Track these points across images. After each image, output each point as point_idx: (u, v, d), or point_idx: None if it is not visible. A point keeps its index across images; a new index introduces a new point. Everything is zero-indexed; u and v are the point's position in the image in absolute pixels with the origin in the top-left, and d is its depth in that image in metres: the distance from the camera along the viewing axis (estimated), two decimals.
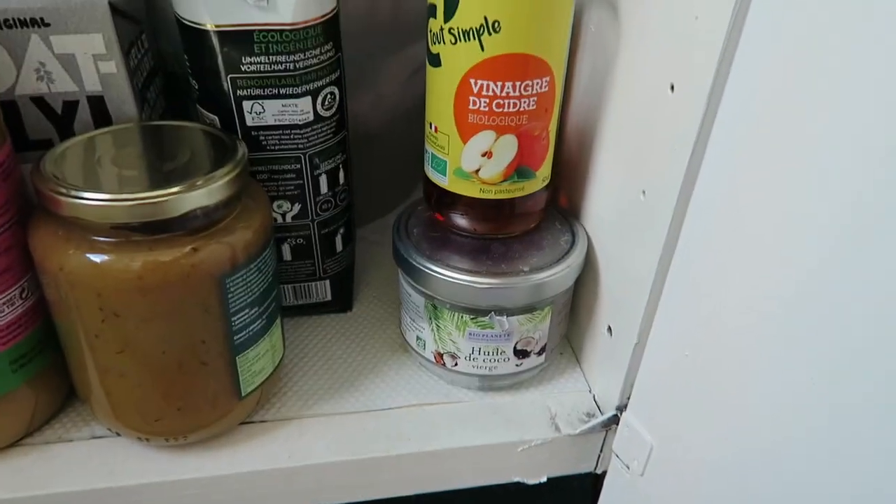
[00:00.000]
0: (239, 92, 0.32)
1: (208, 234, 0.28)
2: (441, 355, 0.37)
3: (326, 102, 0.34)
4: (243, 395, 0.33)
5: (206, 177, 0.28)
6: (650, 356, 0.32)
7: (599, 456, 0.37)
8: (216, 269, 0.29)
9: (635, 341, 0.32)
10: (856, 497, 0.22)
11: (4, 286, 0.29)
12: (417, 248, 0.35)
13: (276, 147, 0.34)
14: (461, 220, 0.35)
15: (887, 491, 0.20)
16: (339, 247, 0.40)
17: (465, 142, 0.32)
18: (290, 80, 0.32)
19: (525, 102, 0.31)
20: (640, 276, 0.31)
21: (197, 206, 0.27)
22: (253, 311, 0.31)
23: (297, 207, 0.37)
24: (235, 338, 0.31)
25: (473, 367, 0.36)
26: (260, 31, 0.31)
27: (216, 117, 0.33)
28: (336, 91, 0.35)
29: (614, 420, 0.35)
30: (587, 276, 0.37)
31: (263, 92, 0.32)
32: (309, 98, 0.33)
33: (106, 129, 0.32)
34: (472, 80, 0.31)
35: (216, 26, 0.31)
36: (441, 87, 0.32)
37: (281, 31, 0.31)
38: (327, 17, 0.32)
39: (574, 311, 0.39)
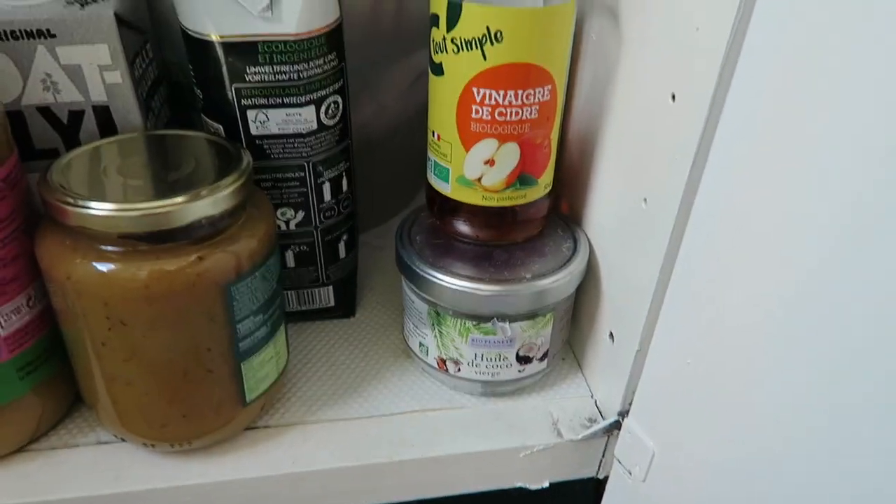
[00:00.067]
0: (243, 101, 0.33)
1: (213, 242, 0.29)
2: (444, 361, 0.37)
3: (330, 111, 0.34)
4: (248, 401, 0.33)
5: (212, 186, 0.28)
6: (652, 362, 0.32)
7: (601, 461, 0.37)
8: (221, 277, 0.29)
9: (637, 348, 0.32)
10: (857, 502, 0.22)
11: (11, 294, 0.30)
12: (420, 255, 0.36)
13: (280, 155, 0.35)
14: (464, 228, 0.36)
15: (888, 491, 0.21)
16: (342, 253, 0.40)
17: (467, 150, 0.33)
18: (294, 89, 0.33)
19: (527, 111, 0.32)
20: (642, 283, 0.31)
21: (203, 215, 0.28)
22: (257, 319, 0.31)
23: (300, 215, 0.37)
24: (240, 345, 0.31)
25: (476, 372, 0.37)
26: (264, 41, 0.31)
27: (220, 126, 0.34)
28: (339, 100, 0.35)
29: (616, 426, 0.35)
30: (589, 282, 0.37)
31: (267, 101, 0.33)
32: (312, 107, 0.33)
33: (111, 139, 0.32)
34: (475, 89, 0.31)
35: (221, 37, 0.31)
36: (444, 96, 0.32)
37: (285, 42, 0.31)
38: (331, 27, 0.32)
39: (576, 317, 0.39)
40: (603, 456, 0.37)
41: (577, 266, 0.35)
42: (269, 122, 0.33)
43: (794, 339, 0.23)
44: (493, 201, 0.34)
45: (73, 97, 0.32)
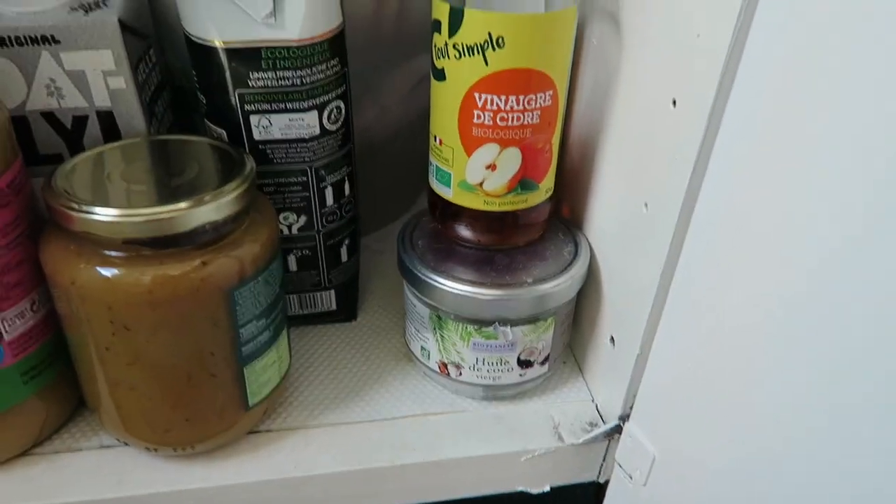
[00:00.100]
0: (246, 107, 0.33)
1: (217, 247, 0.29)
2: (445, 365, 0.37)
3: (332, 116, 0.35)
4: (250, 405, 0.33)
5: (215, 192, 0.28)
6: (653, 367, 0.32)
7: (602, 465, 0.38)
8: (225, 282, 0.29)
9: (638, 352, 0.33)
10: None
11: (16, 299, 0.30)
12: (422, 259, 0.36)
13: (283, 160, 0.35)
14: (465, 232, 0.36)
15: (888, 491, 0.21)
16: (344, 257, 0.40)
17: (469, 155, 0.33)
18: (297, 94, 0.33)
19: (528, 116, 0.32)
20: (643, 287, 0.31)
21: (206, 221, 0.28)
22: (260, 323, 0.31)
23: (303, 219, 0.37)
24: (243, 349, 0.31)
25: (477, 376, 0.37)
26: (268, 47, 0.31)
27: (224, 131, 0.34)
28: (342, 105, 0.35)
29: (617, 430, 0.36)
30: (590, 286, 0.37)
31: (271, 107, 0.33)
32: (315, 112, 0.34)
33: (115, 144, 0.32)
34: (477, 94, 0.31)
35: (224, 43, 0.31)
36: (446, 101, 0.32)
37: (288, 48, 0.31)
38: (333, 33, 0.33)
39: (577, 321, 0.40)
40: (604, 460, 0.37)
41: (579, 270, 0.35)
42: (272, 127, 0.33)
43: (795, 343, 0.24)
44: (495, 206, 0.34)
45: (77, 102, 0.32)
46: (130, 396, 0.31)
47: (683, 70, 0.27)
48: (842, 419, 0.22)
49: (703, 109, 0.26)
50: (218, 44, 0.31)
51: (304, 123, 0.34)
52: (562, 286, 0.35)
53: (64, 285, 0.28)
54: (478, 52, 0.30)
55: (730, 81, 0.25)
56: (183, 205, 0.27)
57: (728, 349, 0.27)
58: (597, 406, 0.38)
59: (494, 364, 0.36)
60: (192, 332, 0.29)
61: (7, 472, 0.33)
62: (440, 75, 0.32)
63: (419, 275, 0.35)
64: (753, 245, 0.25)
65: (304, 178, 0.36)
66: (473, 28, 0.30)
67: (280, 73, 0.32)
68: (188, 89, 0.38)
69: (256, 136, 0.34)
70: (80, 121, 0.32)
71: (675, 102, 0.28)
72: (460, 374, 0.37)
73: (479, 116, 0.32)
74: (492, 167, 0.33)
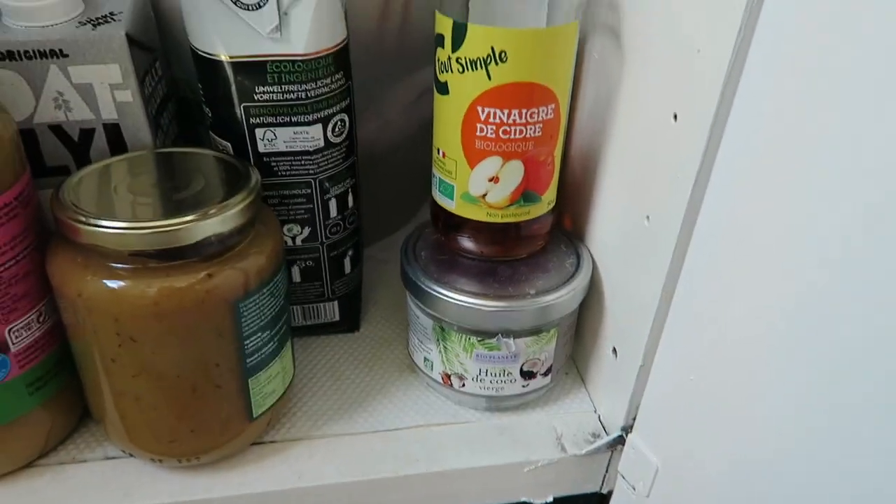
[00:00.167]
0: (252, 120, 0.33)
1: (222, 260, 0.29)
2: (448, 376, 0.37)
3: (337, 129, 0.35)
4: (255, 416, 0.33)
5: (221, 205, 0.28)
6: (655, 378, 0.32)
7: (605, 476, 0.38)
8: (230, 294, 0.29)
9: (640, 363, 0.33)
10: None
11: (23, 311, 0.30)
12: (425, 270, 0.36)
13: (288, 172, 0.35)
14: (468, 244, 0.36)
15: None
16: (347, 268, 0.40)
17: (472, 167, 0.33)
18: (302, 108, 0.33)
19: (531, 129, 0.32)
20: (645, 299, 0.31)
21: (212, 233, 0.28)
22: (265, 335, 0.32)
23: (306, 231, 0.37)
24: (248, 361, 0.31)
25: (481, 388, 0.37)
26: (273, 61, 0.32)
27: (229, 144, 0.34)
28: (346, 118, 0.35)
29: (620, 441, 0.36)
30: (592, 298, 0.38)
31: (276, 120, 0.33)
32: (320, 125, 0.34)
33: (121, 157, 0.33)
34: (480, 108, 0.32)
35: (230, 57, 0.31)
36: (449, 115, 0.33)
37: (293, 62, 0.32)
38: (338, 47, 0.33)
39: (579, 332, 0.40)
40: (606, 471, 0.37)
41: (581, 282, 0.36)
42: (276, 139, 0.34)
43: (796, 355, 0.24)
44: (498, 218, 0.34)
45: (85, 115, 0.32)
46: (135, 407, 0.31)
47: (684, 85, 0.28)
48: (843, 429, 0.22)
49: (704, 124, 0.26)
50: (224, 58, 0.32)
51: (309, 136, 0.34)
52: (564, 298, 0.35)
53: (71, 297, 0.28)
54: (481, 67, 0.31)
55: (731, 96, 0.25)
56: (189, 217, 0.28)
57: (730, 361, 0.27)
58: (599, 417, 0.38)
59: (497, 375, 0.36)
60: (197, 343, 0.29)
61: (12, 484, 0.33)
62: (443, 89, 0.32)
63: (422, 286, 0.35)
64: (755, 257, 0.25)
65: (309, 190, 0.36)
66: (476, 42, 0.30)
67: (285, 87, 0.32)
68: (193, 101, 0.39)
69: (261, 148, 0.34)
70: (87, 133, 0.33)
71: (676, 117, 0.28)
72: (463, 385, 0.37)
73: (482, 129, 0.32)
74: (494, 179, 0.33)
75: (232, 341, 0.30)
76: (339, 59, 0.33)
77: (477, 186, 0.34)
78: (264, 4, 0.30)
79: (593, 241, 0.38)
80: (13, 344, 0.30)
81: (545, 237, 0.37)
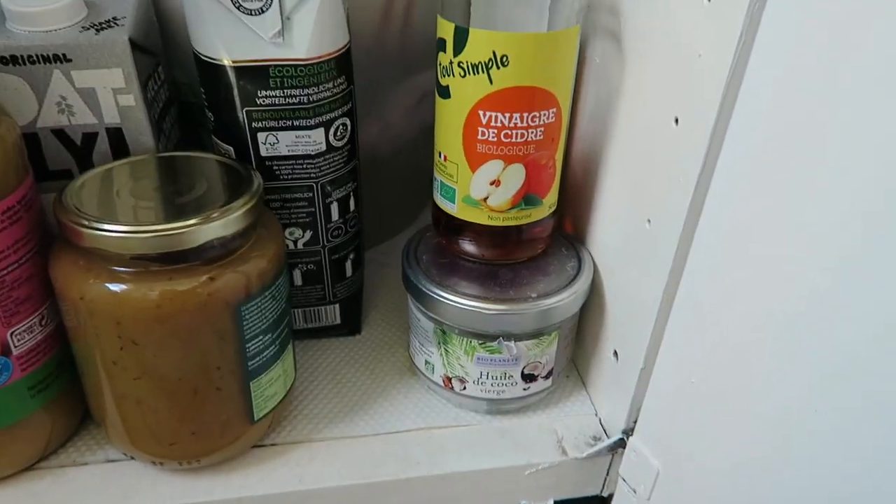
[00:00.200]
0: (254, 124, 0.33)
1: (224, 263, 0.29)
2: (449, 379, 0.37)
3: (338, 133, 0.35)
4: (256, 419, 0.33)
5: (223, 208, 0.28)
6: (656, 381, 0.32)
7: (606, 479, 0.38)
8: (232, 297, 0.29)
9: (641, 366, 0.33)
10: None
11: (25, 314, 0.30)
12: (427, 274, 0.36)
13: (289, 176, 0.35)
14: (469, 247, 0.36)
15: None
16: (348, 272, 0.41)
17: (473, 171, 0.33)
18: (304, 112, 0.33)
19: (532, 133, 0.32)
20: (646, 302, 0.32)
21: (214, 237, 0.28)
22: (266, 338, 0.32)
23: (308, 234, 0.37)
24: (249, 364, 0.31)
25: (481, 391, 0.37)
26: (275, 66, 0.32)
27: (231, 148, 0.34)
28: (348, 122, 0.35)
29: (621, 444, 0.36)
30: (593, 301, 0.38)
31: (278, 124, 0.33)
32: (322, 129, 0.34)
33: (124, 161, 0.33)
34: (481, 112, 0.32)
35: (233, 62, 0.32)
36: (450, 118, 0.33)
37: (296, 66, 0.32)
38: (340, 51, 0.33)
39: (580, 335, 0.40)
40: (607, 474, 0.37)
41: (582, 285, 0.36)
42: (278, 143, 0.34)
43: (798, 358, 0.24)
44: (499, 221, 0.35)
45: (87, 119, 0.32)
46: (137, 410, 0.31)
47: (685, 89, 0.28)
48: (845, 432, 0.22)
49: (705, 128, 0.26)
50: (227, 62, 0.32)
51: (311, 140, 0.34)
52: (565, 301, 0.35)
53: (73, 300, 0.28)
54: (482, 71, 0.31)
55: (731, 100, 0.25)
56: (191, 221, 0.28)
57: (731, 364, 0.27)
58: (600, 420, 0.38)
59: (498, 378, 0.36)
60: (199, 346, 0.30)
61: (13, 487, 0.33)
62: (445, 93, 0.33)
63: (423, 289, 0.35)
64: (756, 260, 0.25)
65: (310, 194, 0.36)
66: (478, 47, 0.30)
67: (287, 91, 0.32)
68: (195, 105, 0.39)
69: (263, 152, 0.34)
70: (90, 137, 0.33)
71: (677, 121, 0.28)
72: (464, 388, 0.37)
73: (483, 133, 0.32)
74: (496, 183, 0.33)
75: (233, 344, 0.30)
76: (342, 63, 0.34)
77: (478, 190, 0.34)
78: (267, 9, 0.30)
79: (594, 244, 0.38)
80: (15, 347, 0.30)
81: (546, 240, 0.37)
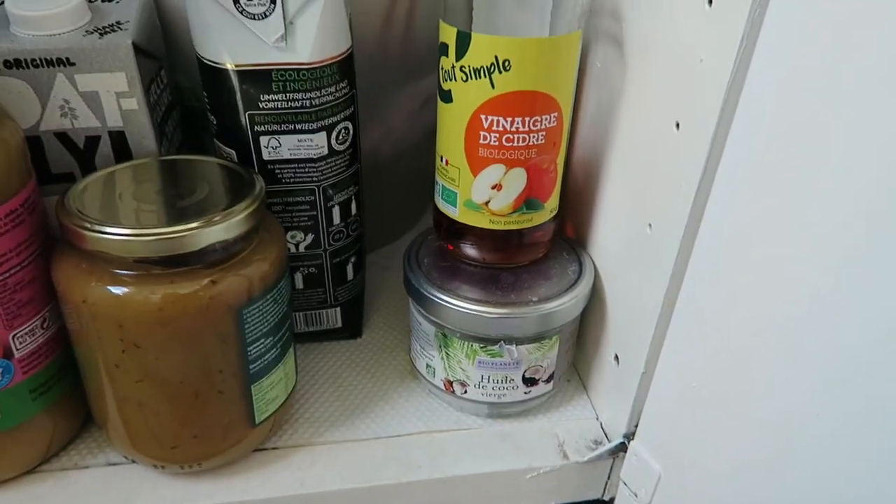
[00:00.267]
0: (256, 128, 0.33)
1: (226, 266, 0.29)
2: (451, 383, 0.37)
3: (340, 137, 0.35)
4: (257, 422, 0.33)
5: (225, 212, 0.29)
6: (657, 385, 0.32)
7: (607, 483, 0.38)
8: (234, 300, 0.29)
9: (642, 370, 0.33)
10: None
11: (27, 317, 0.30)
12: (428, 277, 0.36)
13: (291, 180, 0.35)
14: (471, 251, 0.36)
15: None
16: (350, 275, 0.41)
17: (475, 175, 0.33)
18: (306, 116, 0.33)
19: (534, 137, 0.32)
20: (647, 306, 0.32)
21: (216, 240, 0.28)
22: (268, 341, 0.32)
23: (310, 238, 0.38)
24: (251, 367, 0.31)
25: (483, 394, 0.37)
26: (278, 70, 0.32)
27: (233, 151, 0.34)
28: (350, 126, 0.36)
29: (622, 448, 0.36)
30: (594, 305, 0.38)
31: (280, 127, 0.33)
32: (324, 133, 0.34)
33: (126, 164, 0.33)
34: (483, 116, 0.32)
35: (236, 66, 0.32)
36: (452, 123, 0.33)
37: (298, 70, 0.32)
38: (343, 56, 0.33)
39: (581, 339, 0.40)
40: (609, 478, 0.37)
41: (583, 289, 0.36)
42: (281, 147, 0.34)
43: (799, 362, 0.24)
44: (500, 225, 0.35)
45: (90, 123, 0.32)
46: (138, 413, 0.31)
47: (686, 94, 0.28)
48: (847, 436, 0.22)
49: (706, 132, 0.26)
50: (229, 66, 0.32)
51: (313, 144, 0.34)
52: (566, 305, 0.35)
53: (75, 303, 0.28)
54: (484, 75, 0.31)
55: (732, 105, 0.25)
56: (193, 224, 0.28)
57: (732, 368, 0.27)
58: (601, 424, 0.38)
59: (499, 382, 0.36)
60: (200, 349, 0.30)
61: (15, 490, 0.33)
62: (447, 97, 0.33)
63: (425, 293, 0.35)
64: (757, 265, 0.25)
65: (312, 198, 0.36)
66: (480, 51, 0.30)
67: (290, 95, 0.32)
68: (198, 109, 0.39)
69: (265, 156, 0.34)
70: (93, 141, 0.33)
71: (678, 125, 0.28)
72: (465, 391, 0.37)
73: (485, 137, 0.32)
74: (497, 187, 0.33)
75: (235, 347, 0.30)
76: (344, 67, 0.34)
77: (480, 194, 0.34)
78: (270, 14, 0.30)
79: (595, 248, 0.38)
80: (17, 350, 0.30)
81: (547, 244, 0.37)
